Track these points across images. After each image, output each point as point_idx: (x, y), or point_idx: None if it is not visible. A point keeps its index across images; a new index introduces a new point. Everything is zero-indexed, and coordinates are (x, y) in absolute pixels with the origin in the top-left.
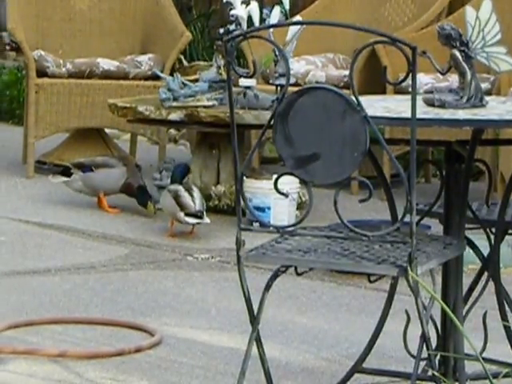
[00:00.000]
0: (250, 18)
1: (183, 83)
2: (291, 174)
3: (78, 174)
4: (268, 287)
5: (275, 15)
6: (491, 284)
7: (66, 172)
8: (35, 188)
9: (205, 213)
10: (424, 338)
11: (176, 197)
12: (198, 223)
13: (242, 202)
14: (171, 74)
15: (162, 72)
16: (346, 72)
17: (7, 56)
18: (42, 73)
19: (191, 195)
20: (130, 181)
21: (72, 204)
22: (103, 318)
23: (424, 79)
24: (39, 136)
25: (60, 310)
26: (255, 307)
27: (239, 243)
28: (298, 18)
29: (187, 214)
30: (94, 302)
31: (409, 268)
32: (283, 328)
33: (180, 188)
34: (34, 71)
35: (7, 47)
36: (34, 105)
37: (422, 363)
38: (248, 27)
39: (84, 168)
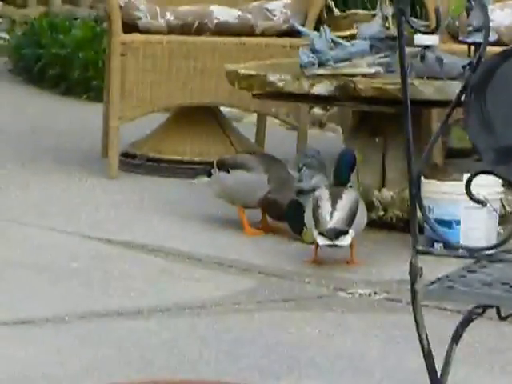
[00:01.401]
0: None
1: (333, 41)
2: (491, 172)
3: (216, 174)
4: (458, 337)
5: None
6: None
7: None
8: (120, 193)
9: (350, 233)
10: None
11: (315, 207)
12: (329, 246)
13: (418, 213)
14: (316, 29)
15: (303, 25)
16: None
17: (80, 2)
18: (130, 26)
19: (334, 205)
20: (272, 195)
21: (174, 215)
22: (218, 382)
23: None
24: (126, 117)
25: (157, 368)
26: (439, 366)
27: (415, 273)
28: None
29: (321, 233)
30: (205, 358)
31: None
32: None
33: (323, 194)
34: (118, 24)
35: None
36: (120, 73)
37: None
38: None
39: (223, 167)
